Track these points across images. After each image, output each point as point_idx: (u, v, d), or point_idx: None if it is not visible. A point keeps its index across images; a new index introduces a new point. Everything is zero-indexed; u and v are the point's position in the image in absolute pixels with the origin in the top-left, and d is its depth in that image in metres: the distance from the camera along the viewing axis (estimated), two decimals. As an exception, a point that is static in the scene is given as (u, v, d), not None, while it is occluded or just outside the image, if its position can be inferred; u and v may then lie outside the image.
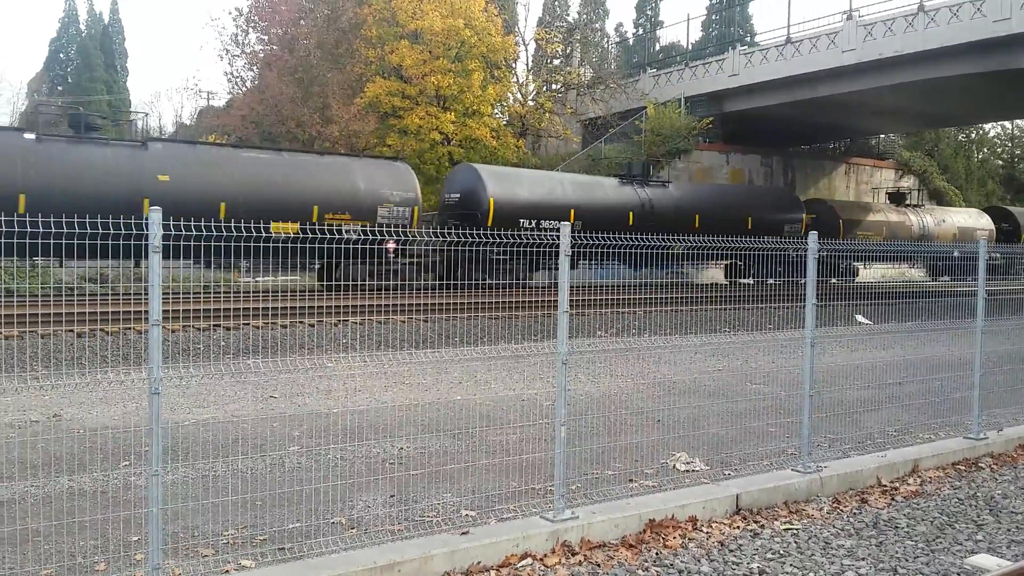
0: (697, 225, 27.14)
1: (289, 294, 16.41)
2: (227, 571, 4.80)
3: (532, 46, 38.57)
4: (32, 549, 5.05)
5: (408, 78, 31.09)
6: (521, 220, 22.95)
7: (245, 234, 5.20)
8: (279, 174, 20.15)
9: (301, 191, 20.00)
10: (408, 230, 20.90)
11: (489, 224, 21.75)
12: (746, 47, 36.98)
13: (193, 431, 8.17)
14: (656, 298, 17.25)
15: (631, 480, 6.77)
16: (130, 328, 12.72)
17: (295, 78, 32.63)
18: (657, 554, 5.54)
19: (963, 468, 8.00)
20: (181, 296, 15.07)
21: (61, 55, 65.79)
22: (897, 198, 40.00)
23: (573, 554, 5.45)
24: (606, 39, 53.05)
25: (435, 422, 8.75)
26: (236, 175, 19.51)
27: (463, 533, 5.38)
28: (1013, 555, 5.73)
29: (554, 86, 38.04)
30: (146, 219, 4.53)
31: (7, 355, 11.44)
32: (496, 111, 35.18)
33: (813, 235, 7.40)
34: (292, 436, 8.04)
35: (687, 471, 7.12)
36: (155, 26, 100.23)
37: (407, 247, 20.07)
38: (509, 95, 36.34)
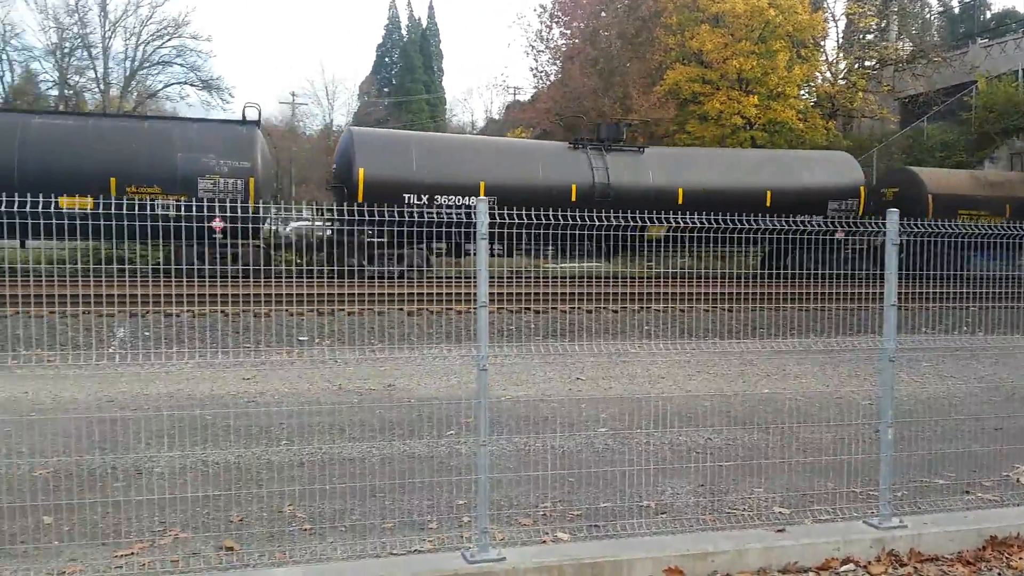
0: (681, 202, 21.40)
1: (592, 280, 16.82)
2: (544, 541, 5.03)
3: (843, 21, 36.08)
4: (377, 503, 5.65)
5: (708, 63, 30.49)
6: (407, 196, 19.53)
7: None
8: (75, 143, 18.10)
9: (97, 161, 17.84)
10: (244, 205, 17.23)
11: (360, 199, 18.73)
12: (1107, 5, 31.86)
13: (509, 407, 8.67)
14: (991, 292, 15.33)
15: (966, 491, 6.17)
16: (451, 308, 13.80)
17: (596, 69, 33.35)
18: (999, 574, 5.00)
19: None
20: (495, 280, 15.94)
21: (386, 59, 72.59)
22: None
23: (901, 565, 5.07)
24: (927, 9, 48.30)
25: (743, 414, 8.54)
26: (16, 145, 17.72)
27: (779, 531, 5.21)
28: None
29: (868, 63, 35.33)
30: (474, 208, 4.89)
31: (350, 330, 12.91)
32: (803, 92, 33.42)
33: None
34: (599, 418, 8.26)
35: (1035, 487, 6.34)
36: (467, 27, 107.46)
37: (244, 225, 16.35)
38: (817, 75, 34.34)
